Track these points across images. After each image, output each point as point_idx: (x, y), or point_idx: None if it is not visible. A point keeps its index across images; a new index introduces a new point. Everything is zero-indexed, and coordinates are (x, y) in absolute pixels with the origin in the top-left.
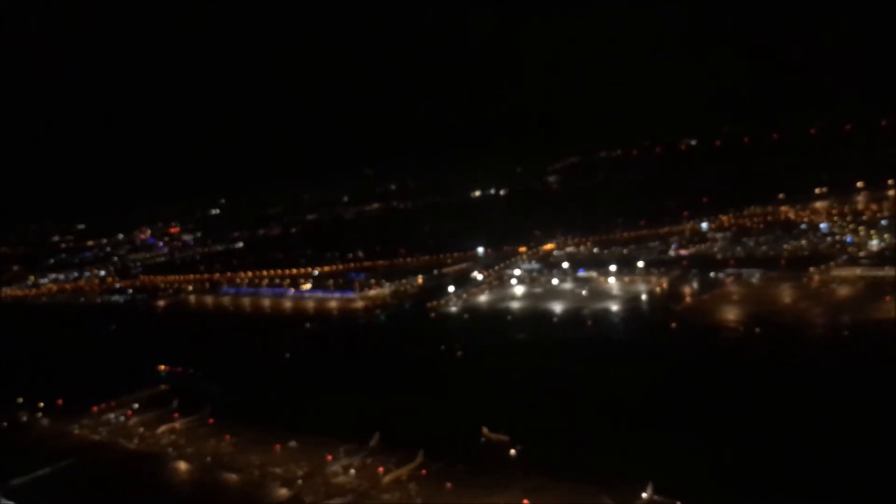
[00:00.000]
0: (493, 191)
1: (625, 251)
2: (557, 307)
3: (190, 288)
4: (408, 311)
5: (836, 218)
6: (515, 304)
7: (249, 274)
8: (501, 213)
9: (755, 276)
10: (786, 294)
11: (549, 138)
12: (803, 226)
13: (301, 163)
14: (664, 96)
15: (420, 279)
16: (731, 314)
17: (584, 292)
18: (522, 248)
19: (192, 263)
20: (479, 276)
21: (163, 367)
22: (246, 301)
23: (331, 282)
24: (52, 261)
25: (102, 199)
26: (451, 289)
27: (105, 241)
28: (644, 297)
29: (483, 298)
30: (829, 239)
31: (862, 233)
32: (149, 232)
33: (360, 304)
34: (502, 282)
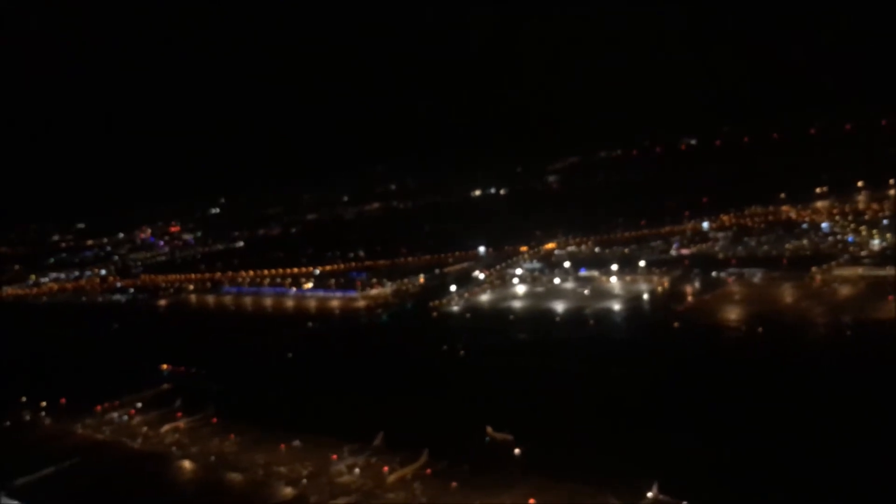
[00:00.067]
0: (493, 191)
1: (626, 251)
2: (559, 306)
3: (191, 287)
4: (410, 310)
5: (837, 217)
6: (517, 304)
7: (251, 273)
8: (502, 213)
9: (757, 276)
10: (788, 293)
11: (549, 138)
12: (805, 225)
13: (301, 163)
14: (664, 96)
15: (422, 278)
16: (733, 313)
17: (585, 292)
18: (524, 248)
19: (193, 263)
20: (481, 276)
21: (165, 366)
22: (247, 300)
23: (333, 281)
24: (52, 260)
25: (102, 199)
26: (452, 288)
27: (105, 240)
28: (646, 296)
29: (485, 298)
30: (830, 238)
31: (863, 232)
32: (149, 231)
33: (362, 303)
34: (504, 281)
